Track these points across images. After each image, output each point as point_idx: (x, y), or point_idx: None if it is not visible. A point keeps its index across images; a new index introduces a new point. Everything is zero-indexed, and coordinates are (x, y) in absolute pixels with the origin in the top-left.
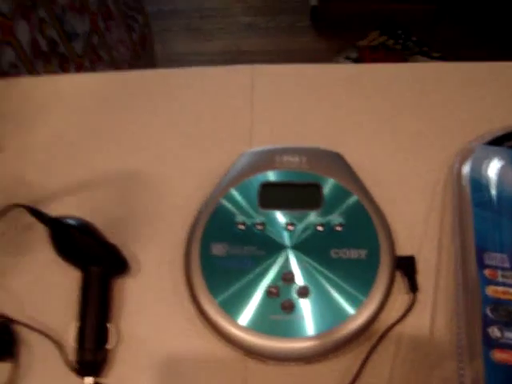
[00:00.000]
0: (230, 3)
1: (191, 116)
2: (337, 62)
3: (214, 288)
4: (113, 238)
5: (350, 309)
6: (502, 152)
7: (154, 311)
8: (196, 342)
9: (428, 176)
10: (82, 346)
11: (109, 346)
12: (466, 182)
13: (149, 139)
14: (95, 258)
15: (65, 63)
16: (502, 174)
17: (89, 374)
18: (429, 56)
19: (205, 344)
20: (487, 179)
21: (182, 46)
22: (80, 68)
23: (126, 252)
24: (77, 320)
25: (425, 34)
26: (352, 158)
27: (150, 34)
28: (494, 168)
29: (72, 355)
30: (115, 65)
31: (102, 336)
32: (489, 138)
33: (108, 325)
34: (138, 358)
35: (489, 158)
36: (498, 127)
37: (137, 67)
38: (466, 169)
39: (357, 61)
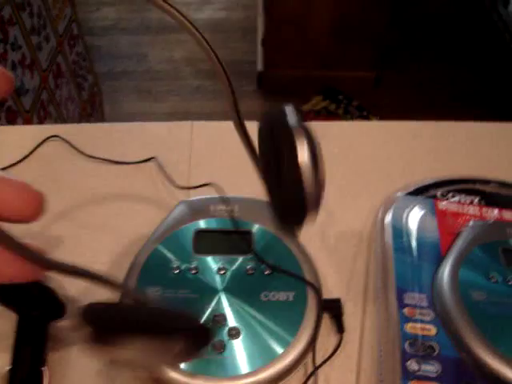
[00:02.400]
0: (179, 66)
1: (131, 168)
2: None
3: None
4: (49, 280)
5: (278, 348)
6: (422, 201)
7: (89, 355)
8: None
9: (355, 224)
10: None
11: None
12: (388, 229)
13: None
14: (31, 302)
15: (12, 117)
16: (421, 222)
17: None
18: (368, 120)
19: None
20: (407, 227)
21: (132, 106)
22: (28, 123)
23: (64, 294)
24: (10, 364)
25: (365, 99)
26: None
27: (99, 93)
28: (414, 216)
29: None
30: (63, 122)
31: (35, 380)
32: (411, 188)
33: (43, 368)
34: None
35: (410, 207)
36: (418, 179)
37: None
38: (388, 217)
39: None
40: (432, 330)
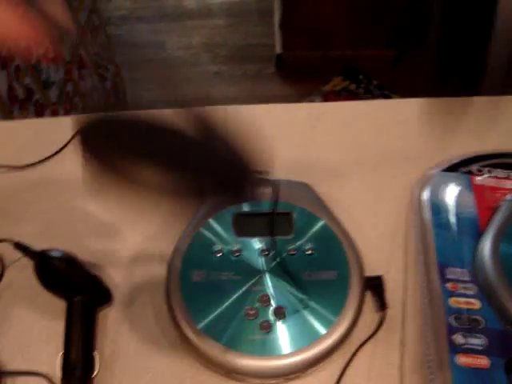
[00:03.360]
0: (197, 53)
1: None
2: None
3: (195, 313)
4: (96, 269)
5: (321, 329)
6: (458, 178)
7: (138, 338)
8: (179, 366)
9: (391, 202)
10: (69, 376)
11: (95, 375)
12: (426, 206)
13: None
14: (80, 288)
15: (40, 110)
16: (458, 198)
17: None
18: (389, 98)
19: (188, 368)
20: (445, 203)
21: (152, 94)
22: (55, 115)
23: (110, 282)
24: (62, 350)
25: (385, 78)
26: (320, 188)
27: (121, 83)
28: (451, 192)
29: None
30: (89, 112)
31: (87, 364)
32: (445, 165)
33: (94, 353)
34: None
35: (446, 184)
36: (453, 155)
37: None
38: (426, 194)
39: None
40: (476, 304)
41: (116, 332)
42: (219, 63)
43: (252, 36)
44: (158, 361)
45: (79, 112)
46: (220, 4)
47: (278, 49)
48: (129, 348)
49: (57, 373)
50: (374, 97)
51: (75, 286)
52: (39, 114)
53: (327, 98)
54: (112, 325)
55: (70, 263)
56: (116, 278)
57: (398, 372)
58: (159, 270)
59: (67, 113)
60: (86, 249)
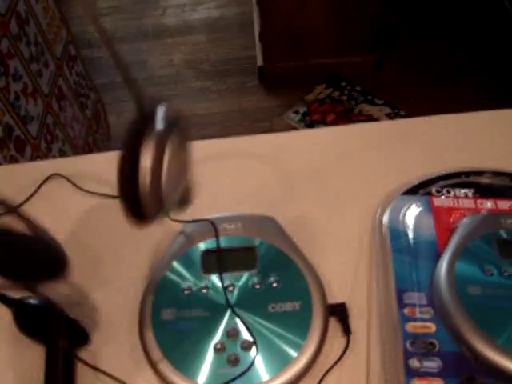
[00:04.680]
0: (179, 70)
1: None
2: (287, 117)
3: (166, 349)
4: (72, 312)
5: (292, 352)
6: (417, 200)
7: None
8: None
9: (355, 228)
10: None
11: None
12: (385, 231)
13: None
14: (58, 332)
15: (21, 146)
16: (418, 220)
17: None
18: (373, 103)
19: None
20: (404, 227)
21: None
22: (36, 149)
23: (87, 324)
24: None
25: (368, 83)
26: (284, 219)
27: (102, 107)
28: (411, 215)
29: None
30: (70, 142)
31: None
32: (405, 188)
33: None
34: None
35: (406, 206)
36: (413, 177)
37: (93, 141)
38: (386, 218)
39: (306, 114)
40: (432, 328)
41: (95, 373)
42: (203, 79)
43: (234, 50)
44: None
45: (60, 144)
46: (200, 20)
47: (260, 61)
48: None
49: None
50: (357, 103)
51: (53, 331)
52: (20, 150)
53: (311, 106)
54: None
55: (47, 309)
56: (92, 321)
57: None
58: (134, 309)
59: (48, 146)
60: (61, 293)
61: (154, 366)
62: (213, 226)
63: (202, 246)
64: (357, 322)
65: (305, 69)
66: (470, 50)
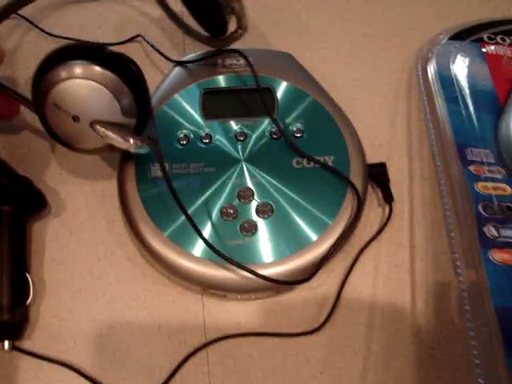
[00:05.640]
0: None
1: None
2: None
3: (157, 217)
4: (25, 171)
5: (325, 219)
6: (467, 47)
7: (86, 254)
8: (142, 284)
9: (388, 78)
10: None
11: (29, 302)
12: (434, 78)
13: None
14: (3, 195)
15: None
16: (471, 69)
17: (6, 337)
18: None
19: (153, 286)
20: (456, 75)
21: None
22: None
23: (43, 187)
24: None
25: None
26: (302, 61)
27: None
28: (460, 63)
29: None
30: None
31: (19, 289)
32: (450, 33)
33: (27, 275)
34: (68, 314)
35: (454, 54)
36: (456, 23)
37: None
38: (432, 66)
39: None
40: (507, 190)
41: (57, 248)
42: None
43: None
44: (113, 279)
45: None
46: None
47: None
48: (73, 265)
49: None
50: None
51: None
52: None
53: None
54: (52, 240)
55: None
56: (53, 182)
57: (409, 276)
58: (109, 164)
59: None
60: (11, 149)
61: (141, 237)
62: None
63: (203, 84)
64: (397, 189)
65: None
66: None
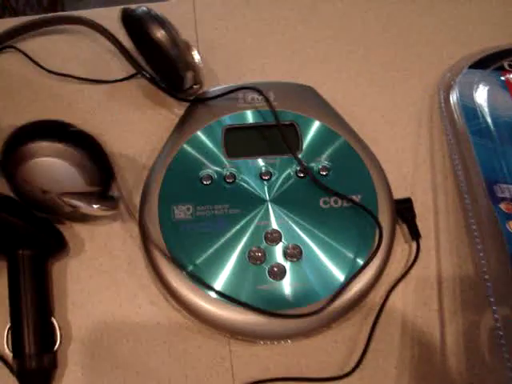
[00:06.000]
0: None
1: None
2: None
3: (182, 260)
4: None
5: (357, 260)
6: (487, 76)
7: (109, 296)
8: (166, 327)
9: (409, 108)
10: (22, 353)
11: (57, 347)
12: (457, 111)
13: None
14: (23, 238)
15: None
16: (492, 99)
17: None
18: None
19: (177, 329)
20: (479, 106)
21: None
22: None
23: (62, 227)
24: (10, 320)
25: None
26: (322, 93)
27: None
28: (482, 93)
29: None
30: None
31: (45, 336)
32: (470, 61)
33: (53, 319)
34: (95, 355)
35: (475, 84)
36: (475, 49)
37: None
38: (455, 96)
39: None
40: None
41: (79, 290)
42: None
43: None
44: (137, 324)
45: None
46: None
47: None
48: (98, 309)
49: (6, 351)
50: None
51: (17, 236)
52: None
53: None
54: (70, 281)
55: (7, 207)
56: (72, 222)
57: (437, 314)
58: (131, 207)
59: None
60: None
61: (164, 282)
62: (257, 91)
63: (225, 121)
64: (422, 224)
65: None
66: None
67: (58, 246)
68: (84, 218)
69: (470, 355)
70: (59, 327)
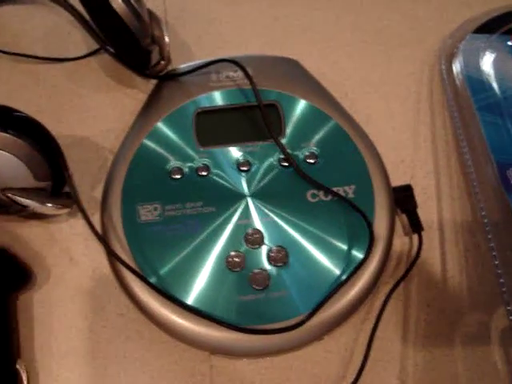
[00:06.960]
0: None
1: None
2: None
3: (149, 269)
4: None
5: (357, 254)
6: (494, 41)
7: (79, 319)
8: (142, 345)
9: (406, 80)
10: None
11: None
12: (461, 84)
13: None
14: None
15: None
16: (501, 68)
17: None
18: None
19: (151, 344)
20: (487, 76)
21: None
22: None
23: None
24: None
25: None
26: (308, 67)
27: None
28: (488, 62)
29: None
30: None
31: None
32: (474, 25)
33: (17, 365)
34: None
35: (482, 50)
36: (479, 12)
37: None
38: (459, 66)
39: None
40: None
41: (45, 324)
42: None
43: None
44: (104, 339)
45: None
46: None
47: None
48: (70, 340)
49: None
50: None
51: None
52: None
53: None
54: (39, 315)
55: None
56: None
57: (443, 315)
58: (94, 205)
59: None
60: None
61: (133, 296)
62: (234, 64)
63: (196, 103)
64: (424, 213)
65: None
66: None
67: (21, 281)
68: (41, 216)
69: (481, 361)
70: (27, 371)
